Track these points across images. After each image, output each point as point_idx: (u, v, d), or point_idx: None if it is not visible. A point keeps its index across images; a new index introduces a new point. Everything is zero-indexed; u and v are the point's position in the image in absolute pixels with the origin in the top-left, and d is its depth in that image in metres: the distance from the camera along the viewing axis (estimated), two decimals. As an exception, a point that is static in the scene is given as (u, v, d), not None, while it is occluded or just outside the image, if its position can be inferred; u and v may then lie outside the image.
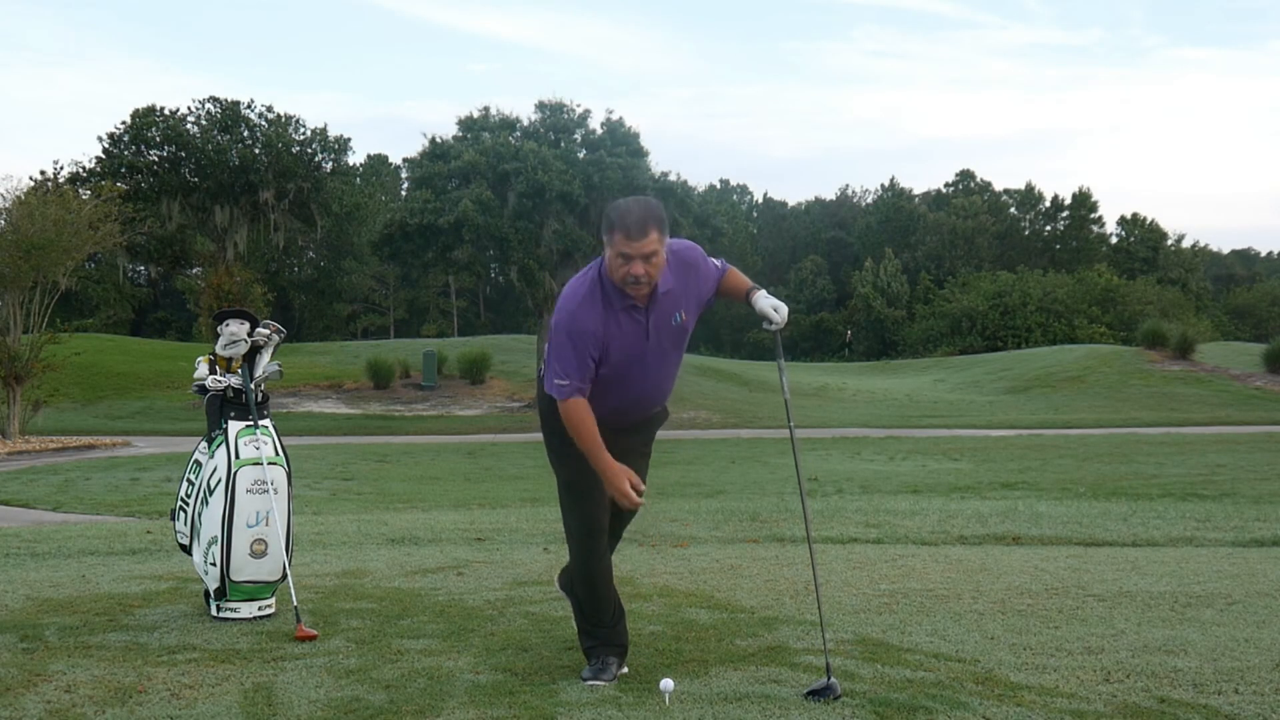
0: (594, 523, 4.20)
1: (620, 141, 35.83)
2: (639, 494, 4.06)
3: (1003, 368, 45.55)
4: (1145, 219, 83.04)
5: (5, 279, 23.98)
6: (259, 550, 5.21)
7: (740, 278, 4.26)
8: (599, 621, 4.21)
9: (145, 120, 48.28)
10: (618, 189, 32.96)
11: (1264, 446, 22.45)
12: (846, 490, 15.66)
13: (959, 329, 64.32)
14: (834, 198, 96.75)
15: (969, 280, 69.10)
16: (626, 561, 4.97)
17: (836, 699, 3.76)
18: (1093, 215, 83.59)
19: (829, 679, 3.87)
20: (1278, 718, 3.65)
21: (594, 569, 4.21)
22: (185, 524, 5.46)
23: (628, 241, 3.85)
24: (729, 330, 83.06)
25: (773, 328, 4.09)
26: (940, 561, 6.79)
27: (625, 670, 4.19)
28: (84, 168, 47.05)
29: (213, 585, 5.20)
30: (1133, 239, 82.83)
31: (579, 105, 37.11)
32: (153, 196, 46.01)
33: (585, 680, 4.06)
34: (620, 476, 3.98)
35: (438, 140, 36.95)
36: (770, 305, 4.08)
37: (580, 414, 3.96)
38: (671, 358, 4.18)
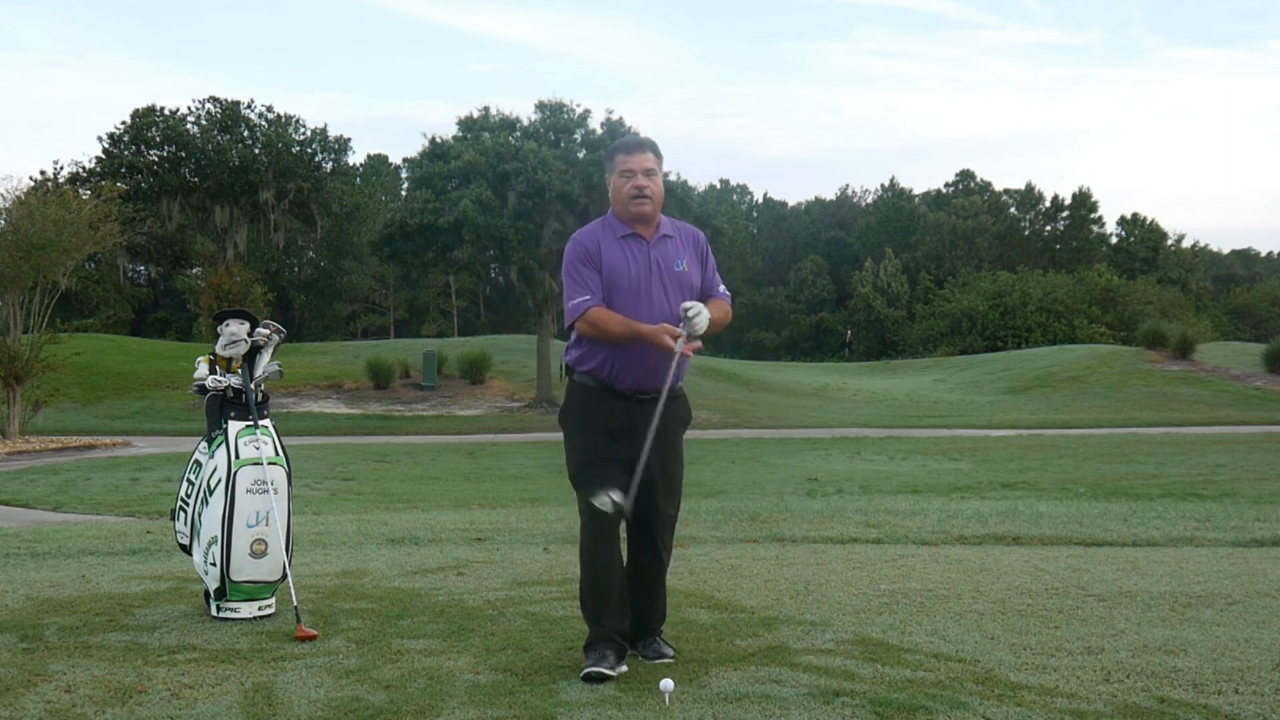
0: (600, 514, 4.21)
1: (621, 141, 35.80)
2: (673, 487, 4.35)
3: (1003, 368, 45.56)
4: (1145, 219, 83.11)
5: (5, 279, 23.97)
6: (259, 550, 5.21)
7: (717, 306, 4.33)
8: (596, 613, 4.23)
9: (145, 120, 48.26)
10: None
11: (1264, 446, 22.45)
12: (846, 490, 15.66)
13: (959, 329, 64.32)
14: (834, 198, 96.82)
15: (969, 280, 69.10)
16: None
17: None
18: (1093, 215, 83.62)
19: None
20: (1278, 718, 3.66)
21: (597, 553, 4.25)
22: (185, 524, 5.46)
23: (627, 158, 4.26)
24: (729, 330, 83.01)
25: (683, 329, 4.06)
26: (940, 561, 6.79)
27: (625, 669, 4.18)
28: (84, 168, 47.02)
29: (213, 585, 5.20)
30: (1133, 239, 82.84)
31: (579, 105, 37.10)
32: (153, 196, 45.97)
33: (585, 671, 4.06)
34: (660, 329, 4.08)
35: (438, 140, 36.94)
36: (696, 303, 4.12)
37: (603, 316, 4.17)
38: (679, 306, 4.22)
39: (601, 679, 4.03)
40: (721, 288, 4.43)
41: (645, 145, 4.32)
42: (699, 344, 4.12)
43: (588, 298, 4.20)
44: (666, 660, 4.29)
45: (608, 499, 4.07)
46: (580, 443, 4.30)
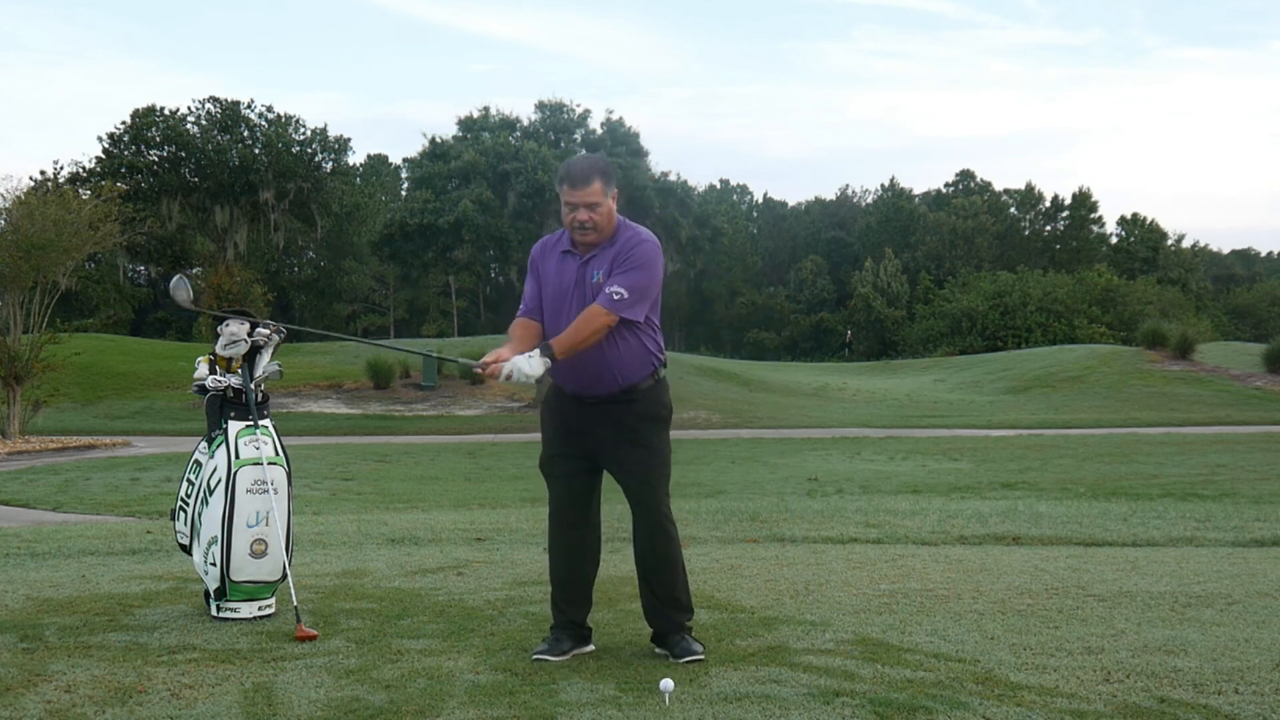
0: (558, 503, 4.59)
1: (620, 141, 35.85)
2: (647, 479, 4.44)
3: (1003, 368, 45.53)
4: (1145, 219, 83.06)
5: (5, 279, 23.96)
6: (259, 550, 5.21)
7: (573, 325, 4.28)
8: (555, 599, 4.56)
9: (145, 120, 48.29)
10: (617, 189, 33.01)
11: (1264, 446, 22.44)
12: (846, 490, 15.65)
13: (959, 329, 64.28)
14: (834, 198, 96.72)
15: (969, 280, 69.06)
16: (627, 561, 4.99)
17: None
18: (1093, 215, 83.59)
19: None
20: (1278, 718, 3.66)
21: (557, 543, 4.60)
22: (185, 524, 5.46)
23: (571, 190, 4.30)
24: (729, 330, 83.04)
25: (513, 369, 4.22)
26: (940, 561, 6.79)
27: (590, 649, 4.50)
28: (84, 168, 47.08)
29: (213, 585, 5.20)
30: (1133, 239, 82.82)
31: (579, 105, 37.29)
32: (153, 196, 46.01)
33: (534, 654, 4.34)
34: (495, 355, 4.30)
35: (438, 140, 36.99)
36: (518, 359, 4.23)
37: (513, 328, 4.50)
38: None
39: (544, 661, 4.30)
40: (611, 289, 4.26)
41: (589, 176, 4.29)
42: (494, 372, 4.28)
43: (521, 307, 4.54)
44: (696, 658, 4.30)
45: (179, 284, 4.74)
46: (546, 435, 4.61)
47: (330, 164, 51.20)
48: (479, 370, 4.31)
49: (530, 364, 4.22)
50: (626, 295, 4.26)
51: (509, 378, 4.24)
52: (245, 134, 49.25)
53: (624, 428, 4.38)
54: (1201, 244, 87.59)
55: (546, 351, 4.25)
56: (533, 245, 4.62)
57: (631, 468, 4.40)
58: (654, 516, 4.44)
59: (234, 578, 5.17)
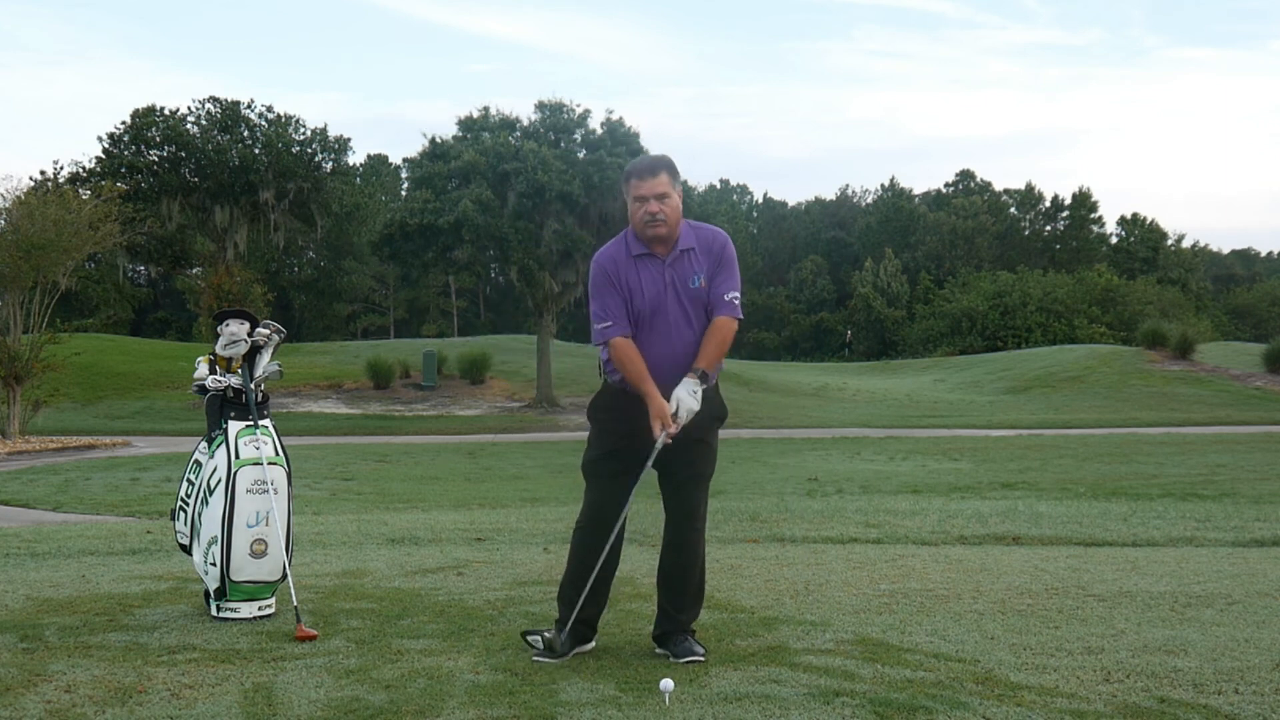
0: (600, 504, 4.44)
1: (620, 141, 35.77)
2: (699, 478, 4.45)
3: (1003, 368, 45.54)
4: (1145, 219, 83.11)
5: (5, 279, 23.98)
6: (259, 550, 5.21)
7: (713, 343, 4.33)
8: (567, 597, 4.44)
9: (145, 120, 48.20)
10: (618, 189, 32.98)
11: (1264, 446, 22.45)
12: (846, 490, 15.66)
13: (959, 329, 64.29)
14: (834, 198, 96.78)
15: (969, 280, 69.08)
16: (627, 561, 5.00)
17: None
18: (1093, 215, 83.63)
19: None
20: (1278, 718, 3.66)
21: (589, 544, 4.43)
22: (185, 524, 5.45)
23: (640, 183, 4.31)
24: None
25: (662, 435, 4.21)
26: (940, 561, 6.79)
27: (590, 647, 4.50)
28: (84, 168, 46.95)
29: (213, 585, 5.20)
30: (1133, 239, 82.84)
31: (579, 105, 37.05)
32: (153, 196, 45.90)
33: (535, 655, 4.33)
34: (663, 407, 4.21)
35: (438, 140, 36.89)
36: (684, 396, 4.22)
37: (627, 351, 4.31)
38: (696, 323, 4.37)
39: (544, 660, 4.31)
40: (729, 295, 4.35)
41: (658, 168, 4.33)
42: (678, 429, 4.26)
43: (610, 324, 4.35)
44: (697, 659, 4.31)
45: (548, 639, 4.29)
46: (601, 436, 4.50)
47: (330, 164, 51.08)
48: (670, 439, 4.24)
49: (695, 398, 4.25)
50: (739, 295, 4.38)
51: (681, 423, 4.24)
52: (245, 134, 49.16)
53: (692, 426, 4.35)
54: (1201, 244, 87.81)
55: (702, 376, 4.27)
56: (600, 262, 4.42)
57: (688, 463, 4.40)
58: (691, 510, 4.46)
59: (234, 578, 5.16)
